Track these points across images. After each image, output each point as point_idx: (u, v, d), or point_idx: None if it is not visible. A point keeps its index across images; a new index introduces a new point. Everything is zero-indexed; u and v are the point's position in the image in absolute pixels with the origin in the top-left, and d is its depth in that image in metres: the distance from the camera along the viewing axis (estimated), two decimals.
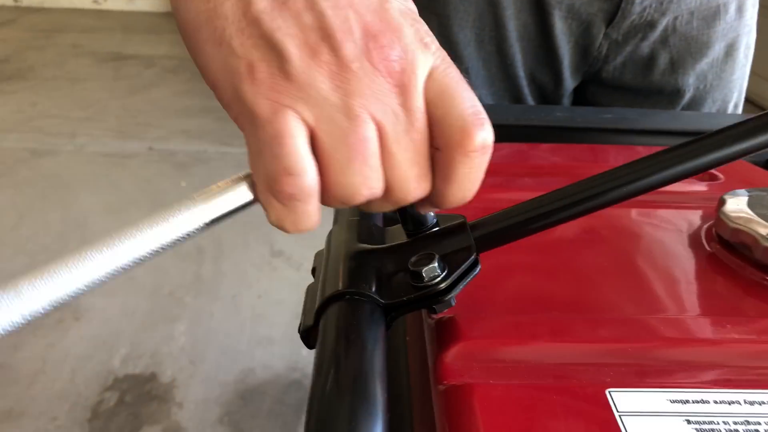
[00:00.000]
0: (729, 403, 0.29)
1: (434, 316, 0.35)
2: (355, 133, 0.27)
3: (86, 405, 1.48)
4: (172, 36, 4.31)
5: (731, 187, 0.48)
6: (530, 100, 0.77)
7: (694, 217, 0.48)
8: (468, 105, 0.28)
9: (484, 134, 0.29)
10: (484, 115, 0.29)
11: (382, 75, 0.27)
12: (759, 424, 0.28)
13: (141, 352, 1.64)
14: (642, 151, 0.62)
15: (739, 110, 0.81)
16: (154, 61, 3.92)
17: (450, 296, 0.31)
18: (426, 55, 0.28)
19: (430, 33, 0.29)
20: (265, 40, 0.26)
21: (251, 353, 1.64)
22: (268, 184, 0.28)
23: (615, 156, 0.63)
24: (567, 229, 0.45)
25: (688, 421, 0.28)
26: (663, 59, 0.72)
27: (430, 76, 0.28)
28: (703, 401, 0.29)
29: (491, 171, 0.55)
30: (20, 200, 2.34)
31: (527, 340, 0.33)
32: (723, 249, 0.43)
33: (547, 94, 0.77)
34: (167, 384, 1.54)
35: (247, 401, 1.50)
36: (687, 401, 0.29)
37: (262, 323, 1.75)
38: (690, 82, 0.74)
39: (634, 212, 0.48)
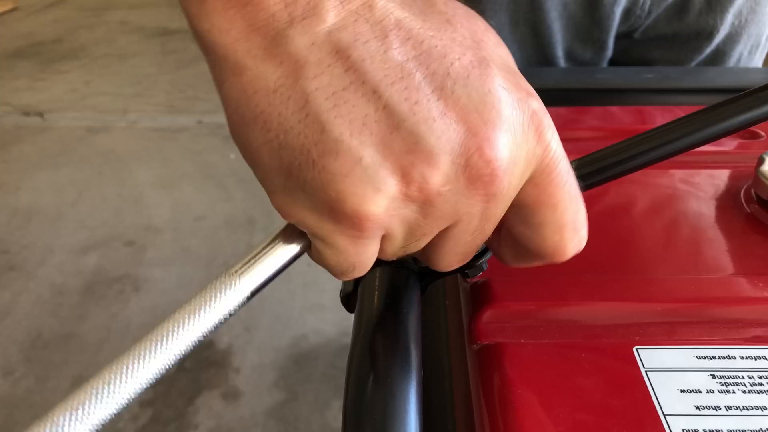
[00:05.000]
0: (755, 359, 0.30)
1: (468, 280, 0.36)
2: (415, 245, 0.25)
3: None
4: None
5: None
6: None
7: (734, 177, 0.48)
8: (569, 216, 0.25)
9: (578, 246, 0.26)
10: (583, 219, 0.26)
11: (476, 189, 0.22)
12: None
13: None
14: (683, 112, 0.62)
15: None
16: None
17: (481, 261, 0.32)
18: (534, 153, 0.23)
19: (541, 102, 0.24)
20: (355, 172, 0.21)
21: (303, 319, 1.69)
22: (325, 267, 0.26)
23: (658, 118, 0.63)
24: (604, 192, 0.45)
25: (713, 376, 0.29)
26: (698, 0, 0.71)
27: (531, 179, 0.24)
28: (729, 357, 0.30)
29: None
30: (79, 177, 2.44)
31: (558, 301, 0.34)
32: (761, 209, 0.43)
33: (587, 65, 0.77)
34: (224, 350, 1.60)
35: (301, 365, 1.55)
36: (713, 357, 0.30)
37: (313, 290, 1.79)
38: (727, 20, 0.71)
39: (672, 173, 0.48)
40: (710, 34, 0.72)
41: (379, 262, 0.33)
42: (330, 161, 0.21)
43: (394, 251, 0.25)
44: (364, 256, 0.24)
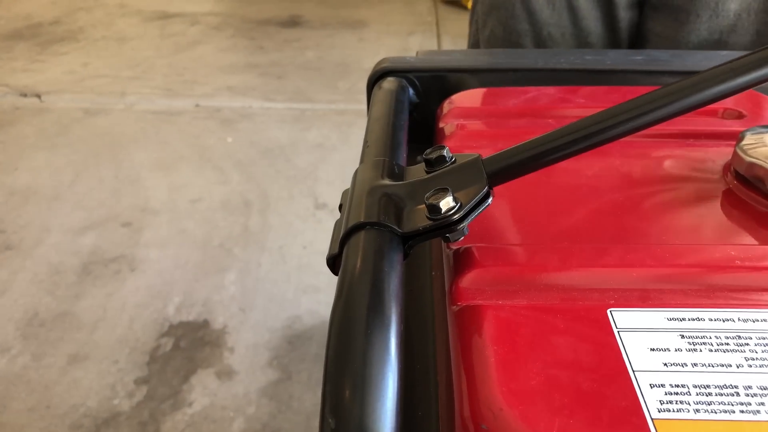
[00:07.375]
0: (723, 320, 0.31)
1: (451, 246, 0.37)
2: None
3: (144, 350, 1.57)
4: None
5: (756, 124, 0.48)
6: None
7: (715, 154, 0.49)
8: None
9: None
10: None
11: None
12: (750, 338, 0.30)
13: (194, 301, 1.71)
14: None
15: None
16: (198, 18, 3.96)
17: (462, 225, 0.33)
18: None
19: None
20: None
21: (298, 301, 1.70)
22: None
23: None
24: (588, 165, 0.46)
25: (682, 336, 0.30)
26: None
27: None
28: (698, 319, 0.31)
29: (519, 113, 0.57)
30: (76, 158, 2.44)
31: (536, 266, 0.35)
32: (739, 183, 0.44)
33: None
34: (219, 330, 1.62)
35: (295, 346, 1.56)
36: (683, 319, 0.31)
37: (308, 272, 1.80)
38: None
39: (656, 151, 0.49)
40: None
41: (359, 227, 0.34)
42: None
43: None
44: None
